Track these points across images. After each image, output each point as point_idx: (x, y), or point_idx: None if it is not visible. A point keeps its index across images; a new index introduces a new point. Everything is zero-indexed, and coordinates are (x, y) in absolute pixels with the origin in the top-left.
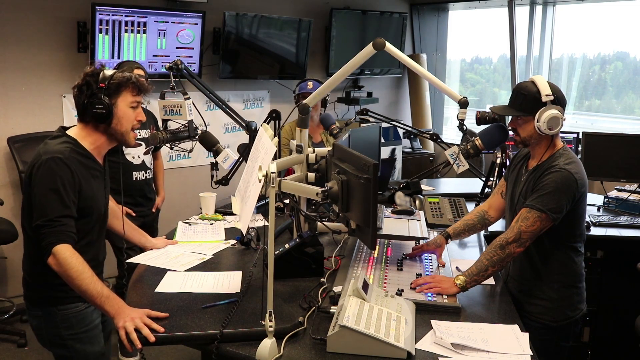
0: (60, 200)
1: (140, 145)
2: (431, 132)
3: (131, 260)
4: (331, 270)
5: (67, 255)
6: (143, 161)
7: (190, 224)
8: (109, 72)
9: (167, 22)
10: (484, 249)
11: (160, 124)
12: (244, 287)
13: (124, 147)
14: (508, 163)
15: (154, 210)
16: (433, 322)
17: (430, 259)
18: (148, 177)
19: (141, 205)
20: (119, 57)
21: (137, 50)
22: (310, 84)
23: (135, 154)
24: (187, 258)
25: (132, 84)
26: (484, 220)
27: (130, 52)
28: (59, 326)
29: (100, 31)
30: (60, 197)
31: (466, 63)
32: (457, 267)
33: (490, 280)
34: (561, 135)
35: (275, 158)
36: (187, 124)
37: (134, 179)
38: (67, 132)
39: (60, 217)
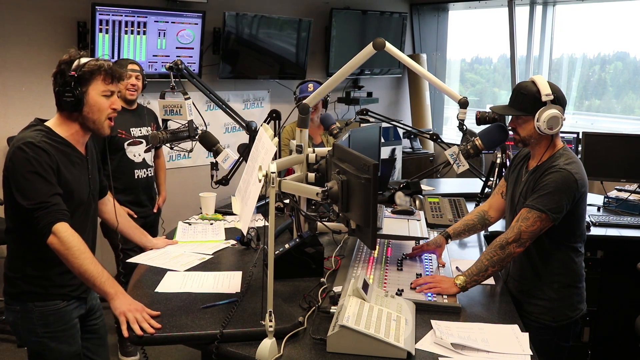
0: (44, 181)
1: (141, 143)
2: (431, 132)
3: (131, 260)
4: (331, 270)
5: (68, 233)
6: (144, 159)
7: (190, 224)
8: (83, 60)
9: (167, 22)
10: (484, 249)
11: (160, 123)
12: (244, 287)
13: (125, 147)
14: (508, 163)
15: (155, 211)
16: (433, 322)
17: (430, 259)
18: (150, 174)
19: (144, 205)
20: (119, 57)
21: (137, 50)
22: (311, 87)
23: (136, 152)
24: (187, 258)
25: (103, 71)
26: (484, 221)
27: (130, 52)
28: (35, 323)
29: (100, 31)
30: (42, 177)
31: (466, 63)
32: (457, 267)
33: (490, 280)
34: (561, 135)
35: (275, 158)
36: (187, 124)
37: (136, 177)
38: (45, 123)
39: (50, 196)
